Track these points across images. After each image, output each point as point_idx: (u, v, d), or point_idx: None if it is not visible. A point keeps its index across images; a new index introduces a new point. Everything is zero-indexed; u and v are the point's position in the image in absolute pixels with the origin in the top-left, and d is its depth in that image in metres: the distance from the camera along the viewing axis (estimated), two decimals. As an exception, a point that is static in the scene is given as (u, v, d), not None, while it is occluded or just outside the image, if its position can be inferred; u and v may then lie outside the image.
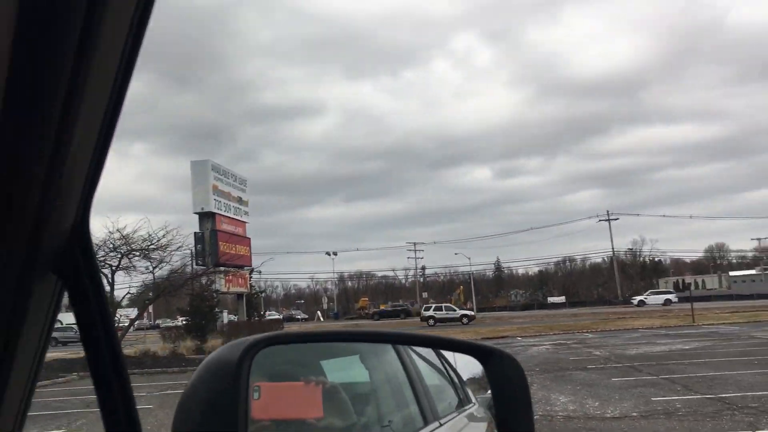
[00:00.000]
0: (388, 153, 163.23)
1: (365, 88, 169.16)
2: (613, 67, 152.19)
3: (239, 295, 39.65)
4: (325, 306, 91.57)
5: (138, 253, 23.24)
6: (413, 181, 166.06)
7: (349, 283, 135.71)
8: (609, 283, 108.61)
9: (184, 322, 34.88)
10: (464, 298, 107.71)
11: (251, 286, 41.35)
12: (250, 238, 41.30)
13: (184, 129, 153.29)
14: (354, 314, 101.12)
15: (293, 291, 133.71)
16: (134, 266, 23.52)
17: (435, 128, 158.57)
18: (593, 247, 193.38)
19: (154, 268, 24.49)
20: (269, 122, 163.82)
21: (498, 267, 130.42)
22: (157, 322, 77.72)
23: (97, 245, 22.85)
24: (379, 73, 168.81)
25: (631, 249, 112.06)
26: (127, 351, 28.18)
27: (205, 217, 36.13)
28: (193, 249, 35.45)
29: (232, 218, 38.80)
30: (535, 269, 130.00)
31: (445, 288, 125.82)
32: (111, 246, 22.78)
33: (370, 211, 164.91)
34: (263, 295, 52.30)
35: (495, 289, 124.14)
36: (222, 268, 34.85)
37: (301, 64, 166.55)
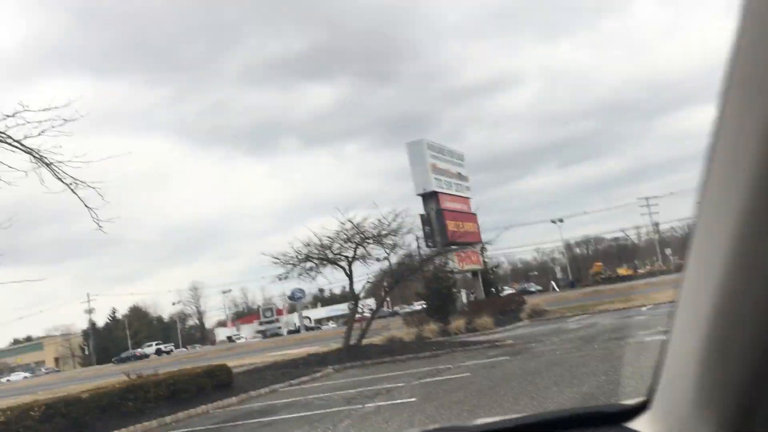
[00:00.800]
0: (597, 110, 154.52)
1: (563, 47, 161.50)
2: None
3: (474, 273, 38.45)
4: (558, 275, 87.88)
5: (371, 240, 22.70)
6: (629, 135, 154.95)
7: (577, 250, 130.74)
8: None
9: (423, 306, 34.39)
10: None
11: (485, 262, 39.96)
12: (476, 214, 39.91)
13: (390, 122, 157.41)
14: (589, 280, 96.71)
15: (519, 265, 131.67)
16: (369, 254, 23.04)
17: (644, 76, 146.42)
18: None
19: (388, 253, 23.86)
20: (470, 100, 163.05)
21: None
22: (395, 309, 79.78)
23: (331, 238, 22.76)
24: (576, 29, 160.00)
25: None
26: (374, 339, 28.20)
27: (429, 197, 35.32)
28: (421, 231, 34.79)
29: (455, 195, 37.64)
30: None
31: (686, 241, 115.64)
32: (344, 237, 22.50)
33: (588, 174, 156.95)
34: (498, 270, 50.60)
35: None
36: (454, 247, 33.78)
37: (494, 37, 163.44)
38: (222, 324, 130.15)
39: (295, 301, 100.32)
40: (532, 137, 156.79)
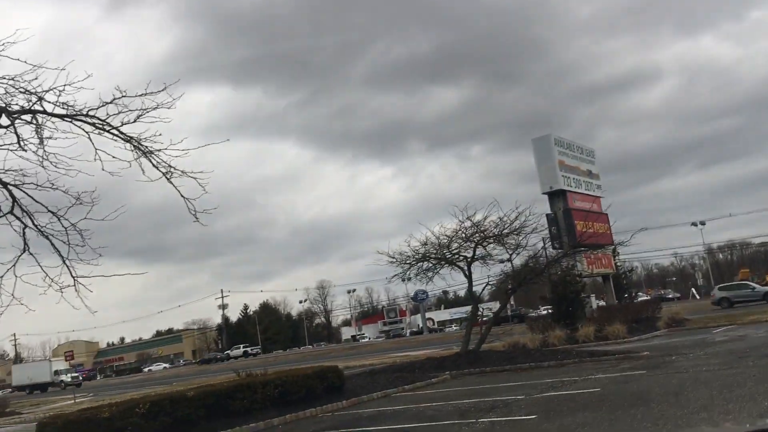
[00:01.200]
0: (742, 107, 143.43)
1: (704, 40, 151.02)
2: None
3: (605, 277, 35.94)
4: (699, 281, 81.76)
5: (491, 240, 21.36)
6: None
7: (720, 256, 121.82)
8: None
9: (548, 311, 32.53)
10: None
11: (617, 266, 37.28)
12: (607, 214, 37.35)
13: (516, 123, 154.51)
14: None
15: (655, 270, 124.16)
16: (490, 254, 21.68)
17: None
18: None
19: (511, 254, 22.41)
20: (602, 99, 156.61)
21: None
22: (520, 311, 77.15)
23: (449, 237, 21.64)
24: (718, 21, 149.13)
25: None
26: (496, 344, 26.76)
27: (555, 196, 33.35)
28: (547, 231, 32.91)
29: (584, 194, 35.37)
30: None
31: None
32: (463, 236, 21.31)
33: (732, 174, 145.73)
34: (631, 275, 47.26)
35: None
36: (582, 249, 31.68)
37: (628, 32, 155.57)
38: (347, 323, 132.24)
39: (418, 302, 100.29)
40: (669, 136, 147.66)
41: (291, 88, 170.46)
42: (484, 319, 30.48)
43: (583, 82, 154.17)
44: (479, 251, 21.80)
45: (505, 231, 21.42)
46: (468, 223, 21.08)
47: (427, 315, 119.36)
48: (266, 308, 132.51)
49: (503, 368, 20.19)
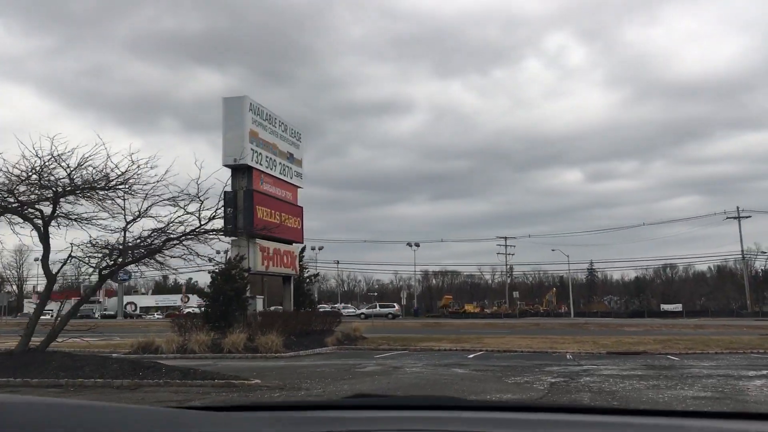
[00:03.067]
0: (476, 152, 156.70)
1: (454, 86, 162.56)
2: (716, 69, 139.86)
3: (285, 278, 30.94)
4: (403, 301, 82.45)
5: (82, 192, 14.49)
6: (501, 181, 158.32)
7: (434, 281, 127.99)
8: (715, 293, 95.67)
9: (202, 308, 26.46)
10: (557, 300, 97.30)
11: (302, 267, 32.44)
12: (302, 208, 32.44)
13: None
14: (437, 312, 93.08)
15: (376, 286, 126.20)
16: (78, 215, 14.81)
17: (524, 129, 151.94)
18: (694, 254, 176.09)
19: (129, 222, 15.78)
20: (358, 118, 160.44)
21: (591, 270, 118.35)
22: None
23: (13, 175, 14.35)
24: (468, 71, 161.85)
25: (748, 254, 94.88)
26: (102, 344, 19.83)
27: (240, 172, 27.48)
28: (223, 213, 26.96)
29: (279, 178, 29.99)
30: (632, 275, 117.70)
31: (534, 290, 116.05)
32: (36, 177, 14.15)
33: (457, 211, 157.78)
34: (317, 279, 42.90)
35: (587, 295, 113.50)
36: (258, 240, 26.26)
37: (391, 61, 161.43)
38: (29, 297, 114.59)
39: (118, 282, 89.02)
40: (412, 165, 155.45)
41: (40, 30, 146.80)
42: (186, 311, 23.13)
43: (345, 99, 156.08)
44: (66, 207, 14.80)
45: (111, 182, 14.69)
46: (49, 160, 13.95)
47: (131, 299, 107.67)
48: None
49: (58, 381, 13.53)
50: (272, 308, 35.29)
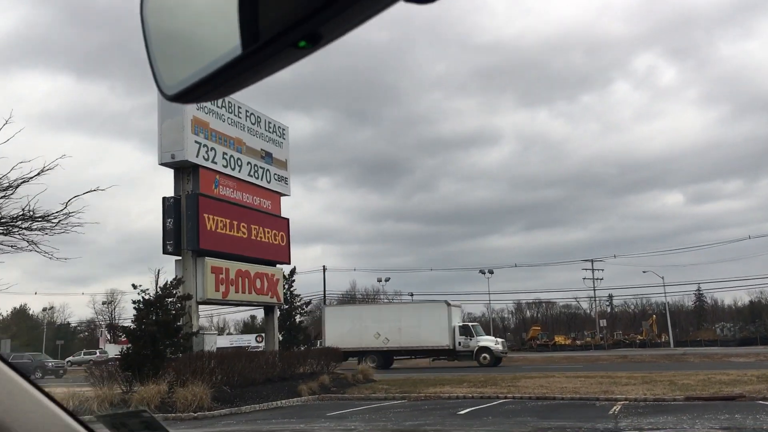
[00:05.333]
0: (567, 179, 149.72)
1: (541, 114, 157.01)
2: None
3: (268, 308, 24.47)
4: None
5: None
6: (595, 208, 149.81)
7: (527, 313, 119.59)
8: None
9: (123, 352, 20.11)
10: (657, 329, 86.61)
11: (292, 295, 25.79)
12: (287, 219, 25.95)
13: (363, 162, 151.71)
14: (525, 345, 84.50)
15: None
16: None
17: (616, 153, 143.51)
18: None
19: None
20: (445, 153, 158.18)
21: (699, 295, 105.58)
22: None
23: None
24: (554, 98, 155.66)
25: None
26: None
27: (183, 172, 21.35)
28: (161, 226, 20.94)
29: (246, 181, 23.64)
30: (746, 300, 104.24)
31: (636, 318, 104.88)
32: None
33: (551, 240, 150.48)
34: (307, 307, 35.37)
35: (696, 322, 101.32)
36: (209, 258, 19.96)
37: (475, 94, 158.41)
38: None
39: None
40: (502, 197, 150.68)
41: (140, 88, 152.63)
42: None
43: (431, 134, 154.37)
44: None
45: None
46: None
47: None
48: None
49: None
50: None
